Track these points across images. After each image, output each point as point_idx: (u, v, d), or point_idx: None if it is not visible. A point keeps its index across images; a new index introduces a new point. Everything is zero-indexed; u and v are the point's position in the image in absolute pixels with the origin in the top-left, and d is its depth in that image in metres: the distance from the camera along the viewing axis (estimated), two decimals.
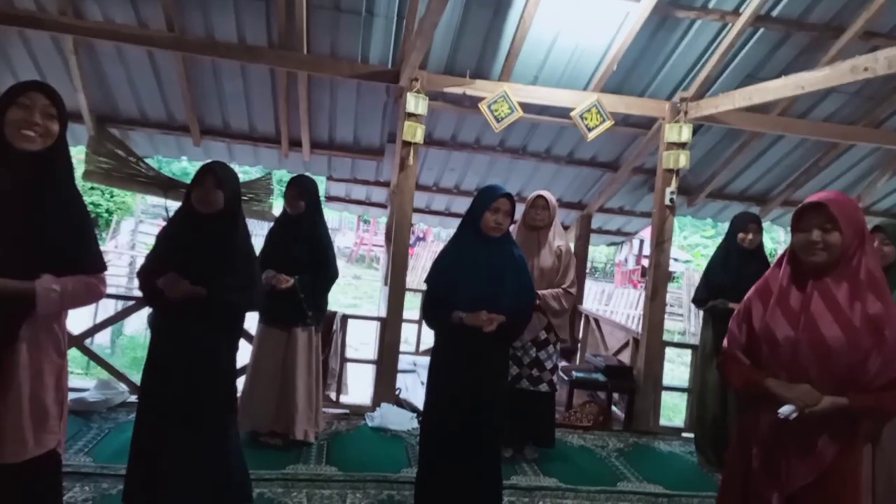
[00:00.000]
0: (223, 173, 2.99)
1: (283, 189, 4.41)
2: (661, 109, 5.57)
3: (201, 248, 2.93)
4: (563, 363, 6.09)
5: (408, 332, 6.63)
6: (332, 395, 5.20)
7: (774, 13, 4.92)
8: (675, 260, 21.89)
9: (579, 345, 7.37)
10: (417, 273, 16.63)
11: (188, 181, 3.25)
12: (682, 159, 5.44)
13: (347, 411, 5.14)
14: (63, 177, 2.27)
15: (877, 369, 2.12)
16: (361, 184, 7.16)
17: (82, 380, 6.36)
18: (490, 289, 3.17)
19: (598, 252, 24.60)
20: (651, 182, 6.61)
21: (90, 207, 16.88)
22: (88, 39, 5.14)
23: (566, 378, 5.67)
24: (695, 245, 26.15)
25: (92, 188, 16.88)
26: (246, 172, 13.84)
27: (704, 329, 4.90)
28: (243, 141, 6.32)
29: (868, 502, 2.95)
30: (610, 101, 5.41)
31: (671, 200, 5.54)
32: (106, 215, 18.79)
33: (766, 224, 6.65)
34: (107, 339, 9.46)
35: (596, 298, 16.55)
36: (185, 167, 20.45)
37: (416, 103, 5.03)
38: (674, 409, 7.94)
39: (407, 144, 5.18)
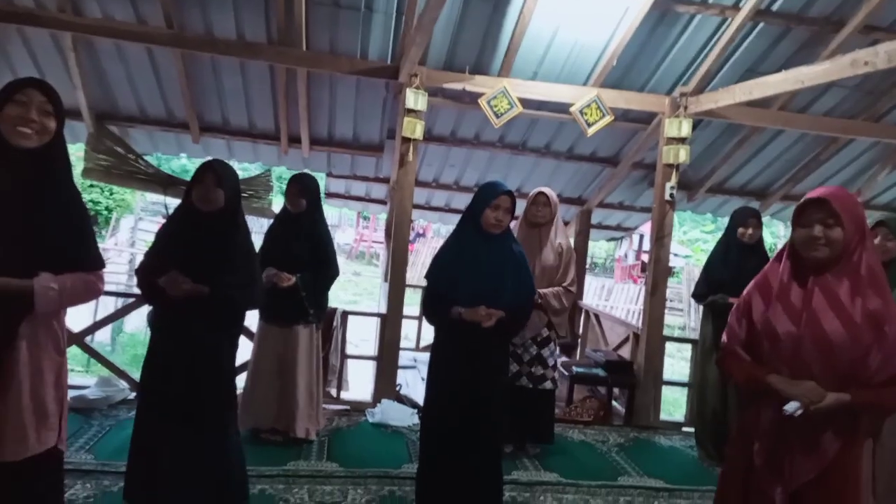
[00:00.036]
0: (223, 171, 2.99)
1: (283, 186, 4.41)
2: (660, 104, 5.57)
3: (202, 246, 2.93)
4: (563, 358, 6.10)
5: (408, 329, 6.63)
6: (333, 392, 5.21)
7: (774, 7, 4.91)
8: (675, 255, 21.90)
9: (579, 340, 7.37)
10: (417, 269, 16.62)
11: (188, 178, 3.25)
12: (682, 154, 5.44)
13: (348, 408, 5.15)
14: (61, 174, 2.26)
15: (877, 365, 2.12)
16: (361, 180, 7.16)
17: (83, 377, 6.36)
18: (490, 285, 3.17)
19: (598, 247, 24.62)
20: (651, 177, 6.61)
21: (90, 205, 16.98)
22: (87, 36, 5.14)
23: (566, 373, 5.67)
24: (695, 240, 26.16)
25: (91, 185, 16.89)
26: (245, 169, 13.86)
27: (704, 324, 4.90)
28: (243, 138, 6.32)
29: (869, 497, 2.95)
30: (610, 97, 5.40)
31: (671, 195, 5.54)
32: (105, 213, 18.79)
33: (765, 219, 6.63)
34: (107, 337, 9.47)
35: (596, 294, 16.54)
36: (184, 164, 20.43)
37: (415, 99, 5.03)
38: (674, 404, 7.95)
39: (406, 140, 5.17)
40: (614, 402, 5.89)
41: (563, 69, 5.44)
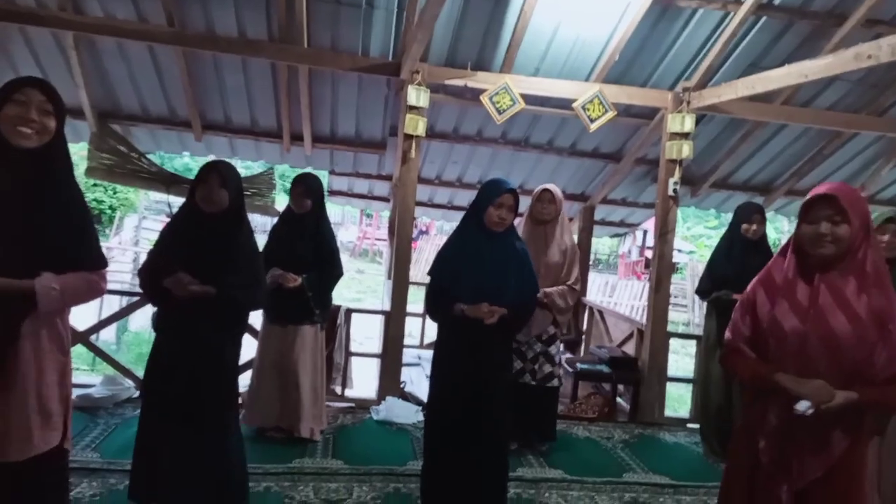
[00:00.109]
0: (227, 172, 2.99)
1: (286, 183, 4.41)
2: (663, 99, 5.55)
3: (205, 246, 2.93)
4: (567, 355, 6.09)
5: (412, 326, 6.64)
6: (338, 390, 5.21)
7: (776, 1, 4.90)
8: (679, 251, 21.82)
9: (583, 337, 7.36)
10: (421, 267, 16.62)
11: (191, 177, 3.25)
12: (686, 149, 5.42)
13: (353, 405, 5.15)
14: (62, 174, 2.25)
15: (882, 363, 2.12)
16: (364, 178, 7.17)
17: (88, 376, 6.38)
18: (493, 283, 3.17)
19: (602, 243, 24.56)
20: (654, 173, 6.59)
21: (93, 204, 16.99)
22: (89, 35, 5.14)
23: (571, 370, 5.67)
24: (698, 236, 26.09)
25: (95, 185, 16.92)
26: (248, 167, 13.86)
27: (708, 320, 4.89)
28: (245, 136, 6.32)
29: (874, 495, 2.95)
30: (612, 92, 5.39)
31: (674, 191, 5.53)
32: (109, 212, 18.83)
33: (769, 214, 6.63)
34: (112, 336, 9.49)
35: (600, 290, 16.53)
36: (187, 163, 20.43)
37: (417, 96, 5.02)
38: (679, 400, 7.95)
39: (409, 137, 5.17)
40: (619, 399, 5.89)
41: (565, 65, 5.43)
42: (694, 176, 6.98)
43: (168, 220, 3.29)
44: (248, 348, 3.48)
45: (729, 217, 5.07)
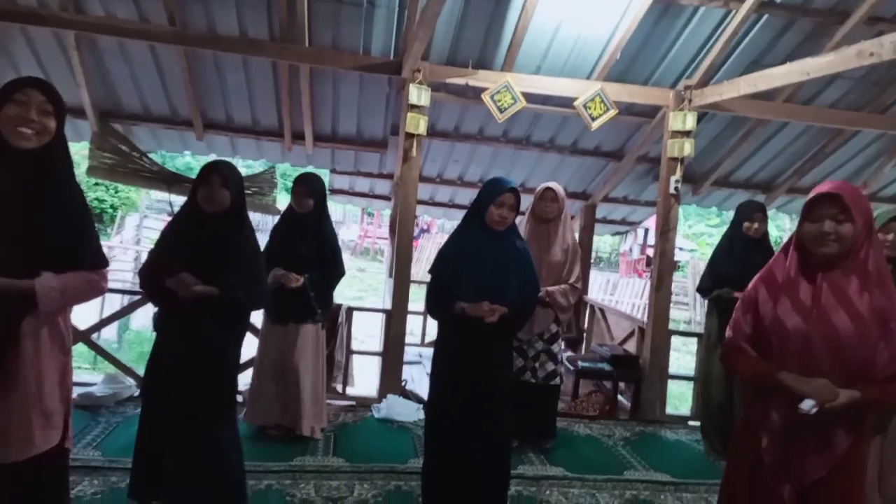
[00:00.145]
0: (229, 172, 2.99)
1: (287, 182, 4.41)
2: (665, 98, 5.55)
3: (207, 246, 2.94)
4: (568, 353, 6.09)
5: (413, 324, 6.64)
6: (339, 388, 5.22)
7: None
8: (680, 249, 21.81)
9: (585, 335, 7.36)
10: (422, 265, 16.62)
11: (192, 176, 3.25)
12: (687, 147, 5.42)
13: (354, 403, 5.16)
14: (62, 174, 2.25)
15: (883, 362, 2.12)
16: (365, 176, 7.16)
17: (90, 374, 6.38)
18: (494, 281, 3.17)
19: (603, 242, 24.52)
20: (655, 171, 6.58)
21: (94, 203, 16.96)
22: (90, 35, 5.14)
23: (572, 368, 5.67)
24: (700, 234, 26.06)
25: (96, 184, 16.92)
26: (249, 166, 13.86)
27: (709, 318, 4.89)
28: (246, 135, 6.32)
29: (874, 494, 2.95)
30: (613, 90, 5.38)
31: (676, 189, 5.52)
32: (110, 211, 18.83)
33: (771, 212, 6.62)
34: (114, 334, 9.49)
35: (601, 288, 16.51)
36: (188, 162, 20.44)
37: (418, 94, 5.02)
38: (680, 398, 7.94)
39: (410, 136, 5.17)
40: (620, 397, 5.89)
41: (566, 63, 5.42)
42: (695, 174, 6.98)
43: (169, 219, 3.28)
44: (249, 347, 3.48)
45: (730, 215, 5.06)
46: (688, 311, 16.67)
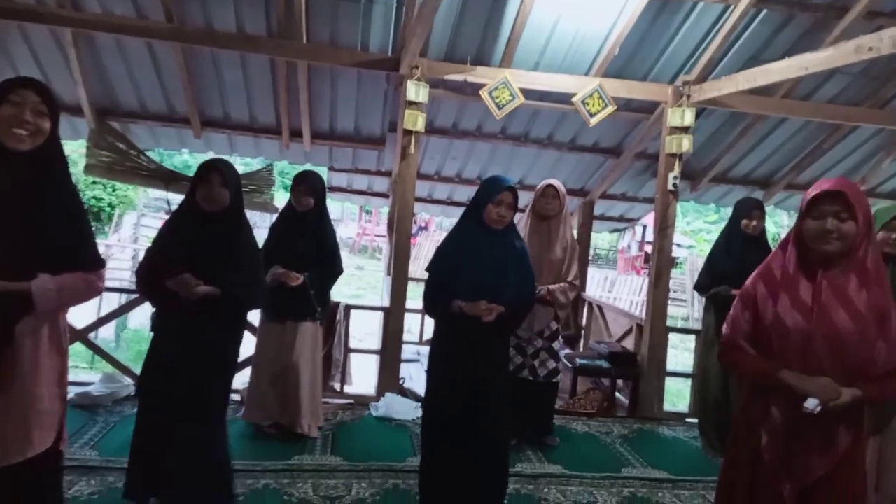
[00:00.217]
0: (228, 171, 2.99)
1: (285, 180, 4.40)
2: (663, 93, 5.54)
3: (206, 245, 2.93)
4: (566, 350, 6.09)
5: (411, 322, 6.63)
6: (337, 386, 5.21)
7: None
8: (679, 245, 21.84)
9: (583, 332, 7.36)
10: (420, 263, 16.60)
11: (190, 174, 3.24)
12: (685, 144, 5.41)
13: (352, 401, 5.15)
14: (58, 175, 2.25)
15: (882, 359, 2.12)
16: (363, 174, 7.14)
17: (87, 374, 6.38)
18: (493, 280, 3.17)
19: (601, 239, 24.55)
20: (654, 167, 6.57)
21: (92, 202, 16.94)
22: (87, 32, 5.13)
23: (570, 365, 5.66)
24: (698, 230, 26.09)
25: (94, 182, 16.90)
26: (247, 164, 13.85)
27: (706, 315, 4.88)
28: (244, 132, 6.30)
29: (871, 493, 2.94)
30: (612, 86, 5.37)
31: (674, 185, 5.51)
32: (108, 209, 18.80)
33: (769, 208, 6.61)
34: (111, 333, 9.49)
35: (599, 285, 16.53)
36: (186, 160, 20.43)
37: (416, 91, 5.01)
38: (678, 395, 7.94)
39: (408, 133, 5.15)
40: (618, 394, 5.89)
41: (564, 59, 5.41)
42: (694, 170, 6.97)
43: (167, 217, 3.27)
44: (246, 346, 3.47)
45: (728, 211, 5.05)
46: (686, 307, 16.68)
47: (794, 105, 5.80)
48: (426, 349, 5.93)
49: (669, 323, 5.86)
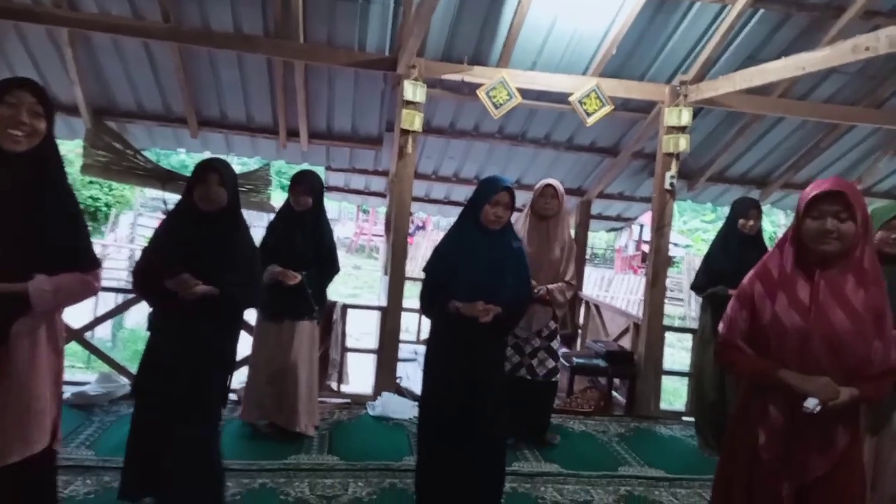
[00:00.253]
0: (225, 170, 2.99)
1: (282, 180, 4.40)
2: (660, 93, 5.54)
3: (204, 245, 2.92)
4: (563, 349, 6.09)
5: (408, 321, 6.63)
6: (334, 385, 5.21)
7: None
8: (675, 245, 21.88)
9: (580, 331, 7.36)
10: (417, 262, 16.59)
11: (186, 174, 3.23)
12: (682, 143, 5.41)
13: (349, 401, 5.15)
14: (55, 175, 2.25)
15: (878, 359, 2.12)
16: (360, 173, 7.13)
17: (84, 373, 6.36)
18: (490, 280, 3.17)
19: (598, 238, 24.60)
20: (651, 167, 6.58)
21: (89, 201, 16.88)
22: (84, 32, 5.11)
23: (567, 364, 5.67)
24: (695, 230, 26.13)
25: (90, 182, 16.85)
26: (244, 164, 13.83)
27: (703, 314, 4.88)
28: (241, 132, 6.29)
29: (868, 490, 2.95)
30: (609, 86, 5.37)
31: (671, 185, 5.52)
32: (105, 209, 18.76)
33: (766, 207, 6.61)
34: (108, 333, 9.47)
35: (596, 284, 16.54)
36: (183, 160, 20.39)
37: (413, 91, 5.00)
38: (674, 394, 7.95)
39: (405, 133, 5.15)
40: (615, 393, 5.89)
41: (562, 59, 5.41)
42: (691, 170, 6.97)
43: (163, 217, 3.26)
44: (242, 345, 3.46)
45: (725, 211, 5.06)
46: (682, 306, 16.70)
47: (791, 104, 5.81)
48: (423, 348, 5.92)
49: (666, 322, 5.87)
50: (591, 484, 4.07)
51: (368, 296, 13.95)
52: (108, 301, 7.83)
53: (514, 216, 3.37)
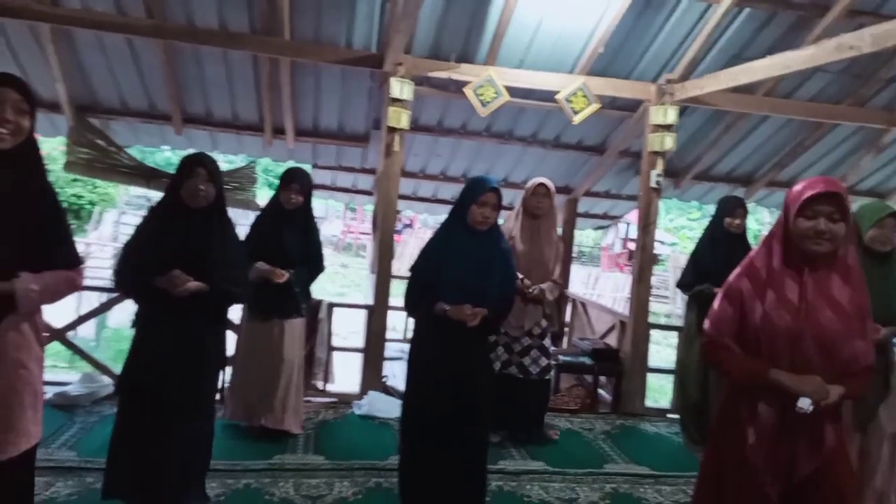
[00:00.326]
0: (212, 166, 2.96)
1: (268, 178, 4.37)
2: (646, 92, 5.55)
3: (191, 242, 2.90)
4: (550, 347, 6.09)
5: (395, 320, 6.60)
6: (320, 384, 5.18)
7: None
8: (661, 242, 21.99)
9: (566, 329, 7.37)
10: (404, 260, 16.55)
11: (171, 171, 3.21)
12: (668, 141, 5.43)
13: (335, 400, 5.12)
14: (38, 173, 2.23)
15: (861, 355, 2.14)
16: (347, 171, 7.10)
17: (66, 373, 6.30)
18: (477, 281, 3.16)
19: (585, 236, 24.66)
20: (637, 165, 6.58)
21: (72, 199, 16.75)
22: (67, 28, 5.05)
23: (553, 362, 5.66)
24: (680, 227, 26.28)
25: (74, 180, 16.71)
26: (230, 161, 13.75)
27: (688, 312, 4.90)
28: (226, 129, 6.23)
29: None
30: (596, 84, 5.38)
31: (657, 183, 5.54)
32: (88, 207, 18.61)
33: (750, 205, 6.65)
34: (91, 332, 9.38)
35: (583, 282, 16.60)
36: (168, 157, 20.25)
37: (400, 88, 4.98)
38: (660, 391, 7.98)
39: (392, 130, 5.13)
40: (601, 390, 5.91)
41: (549, 57, 5.41)
42: (676, 168, 6.99)
43: (144, 216, 3.22)
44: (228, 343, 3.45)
45: (711, 209, 5.08)
46: (668, 304, 16.81)
47: (776, 103, 5.85)
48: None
49: (652, 319, 5.90)
50: (577, 482, 4.07)
51: (356, 295, 13.92)
52: (91, 300, 7.74)
53: (503, 215, 3.37)
